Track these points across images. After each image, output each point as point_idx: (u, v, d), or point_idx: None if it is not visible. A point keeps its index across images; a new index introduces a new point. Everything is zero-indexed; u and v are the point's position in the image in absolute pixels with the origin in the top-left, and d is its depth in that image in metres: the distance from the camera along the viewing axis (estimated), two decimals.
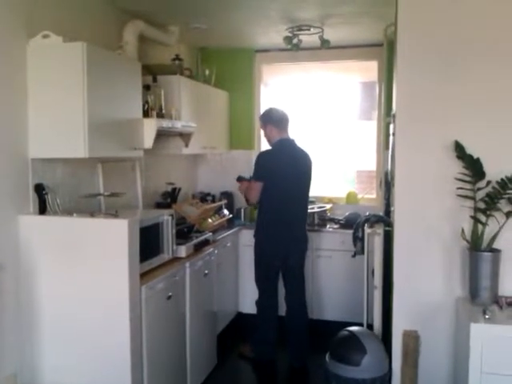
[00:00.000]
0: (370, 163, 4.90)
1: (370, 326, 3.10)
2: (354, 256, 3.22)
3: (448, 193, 2.59)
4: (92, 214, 2.59)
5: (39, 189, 2.61)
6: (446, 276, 2.64)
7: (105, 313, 2.47)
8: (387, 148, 3.97)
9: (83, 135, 2.49)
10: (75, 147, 2.51)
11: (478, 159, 2.51)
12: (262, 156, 3.64)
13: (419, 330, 2.65)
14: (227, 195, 4.64)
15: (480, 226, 2.47)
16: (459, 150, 2.55)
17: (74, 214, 2.58)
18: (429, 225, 2.66)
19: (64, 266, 2.51)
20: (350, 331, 2.79)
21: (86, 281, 2.48)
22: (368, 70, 4.90)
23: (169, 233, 2.96)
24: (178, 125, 3.48)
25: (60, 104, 2.53)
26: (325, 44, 4.14)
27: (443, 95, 2.61)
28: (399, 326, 2.69)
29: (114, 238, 2.44)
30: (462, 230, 2.49)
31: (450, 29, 2.58)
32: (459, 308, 2.55)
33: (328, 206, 4.66)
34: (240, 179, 3.78)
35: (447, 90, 2.61)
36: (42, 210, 2.61)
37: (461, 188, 2.53)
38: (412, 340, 2.63)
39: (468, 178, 2.52)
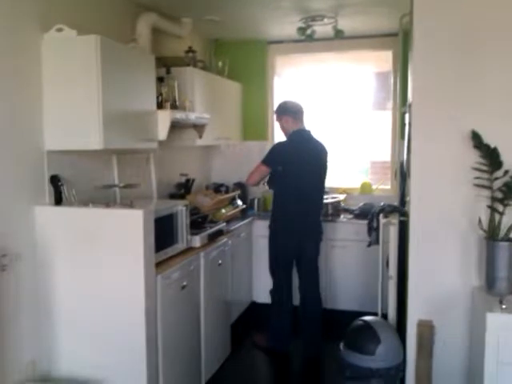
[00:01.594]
0: (385, 154, 4.87)
1: (385, 316, 3.09)
2: (369, 246, 3.21)
3: (464, 182, 2.57)
4: (107, 205, 2.62)
5: (55, 180, 2.63)
6: (462, 266, 2.62)
7: (120, 302, 2.50)
8: (403, 138, 3.95)
9: (98, 127, 2.51)
10: (90, 139, 2.53)
11: (495, 148, 2.48)
12: (278, 145, 3.64)
13: (434, 319, 2.64)
14: (240, 186, 4.65)
15: (497, 216, 2.44)
16: (476, 140, 2.52)
17: (90, 205, 2.60)
18: (445, 214, 2.64)
19: (80, 256, 2.54)
20: (365, 321, 2.79)
21: (101, 270, 2.51)
22: (383, 60, 4.85)
23: (183, 223, 2.98)
24: (192, 116, 3.49)
25: (75, 96, 2.54)
26: (338, 34, 4.10)
27: (459, 84, 2.58)
28: (414, 315, 2.67)
29: (129, 228, 2.46)
30: (480, 220, 2.47)
31: (467, 17, 2.54)
32: (475, 298, 2.54)
33: (342, 197, 4.64)
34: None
35: (464, 79, 2.57)
36: (58, 200, 2.63)
37: (478, 178, 2.50)
38: (427, 330, 2.62)
39: (485, 168, 2.49)
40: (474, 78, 2.56)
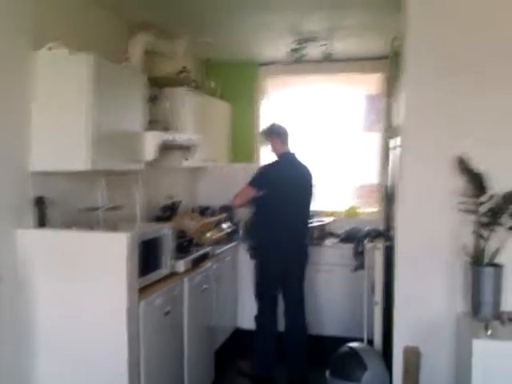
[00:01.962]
0: (372, 177, 4.88)
1: (371, 342, 3.06)
2: (354, 270, 3.20)
3: (450, 207, 2.56)
4: (91, 228, 2.58)
5: (39, 202, 2.58)
6: (447, 291, 2.61)
7: (102, 327, 2.43)
8: (387, 163, 3.98)
9: (86, 147, 2.48)
10: (78, 159, 2.50)
11: (479, 173, 2.49)
12: (266, 167, 3.65)
13: (420, 346, 2.61)
14: (226, 209, 4.62)
15: (482, 241, 2.45)
16: (462, 165, 2.53)
17: (73, 228, 2.56)
18: (431, 239, 2.63)
19: (62, 280, 2.48)
20: (351, 347, 2.76)
21: (83, 295, 2.45)
22: (373, 83, 4.85)
23: (168, 247, 2.94)
24: (182, 138, 3.47)
25: (64, 116, 2.52)
26: (327, 57, 4.15)
27: (449, 108, 2.58)
28: (400, 341, 2.65)
29: (112, 252, 2.42)
30: (464, 245, 2.47)
31: (460, 38, 2.55)
32: (461, 323, 2.52)
33: (328, 220, 4.63)
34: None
35: (455, 102, 2.57)
36: (42, 223, 2.59)
37: (463, 203, 2.51)
38: (413, 356, 2.60)
39: (470, 193, 2.51)
40: (464, 103, 2.56)
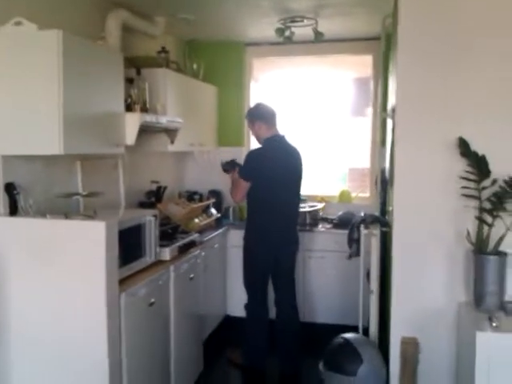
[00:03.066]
0: (363, 161, 4.75)
1: (365, 330, 2.94)
2: (349, 258, 3.05)
3: (451, 192, 2.46)
4: (67, 216, 2.39)
5: (10, 188, 2.41)
6: (447, 280, 2.50)
7: (80, 322, 2.27)
8: (383, 144, 3.83)
9: (58, 130, 2.28)
10: (50, 143, 2.30)
11: (483, 156, 2.38)
12: (252, 154, 3.46)
13: (419, 337, 2.51)
14: (215, 194, 4.46)
15: (486, 228, 2.33)
16: (463, 147, 2.42)
17: (48, 216, 2.38)
18: (430, 225, 2.52)
19: (35, 272, 2.31)
20: (346, 339, 2.63)
21: (59, 288, 2.28)
22: (362, 65, 4.75)
23: (151, 234, 2.77)
24: (164, 120, 3.29)
25: (33, 96, 2.32)
26: (318, 37, 3.96)
27: (447, 88, 2.48)
28: (397, 332, 2.54)
29: (90, 241, 2.25)
30: (468, 232, 2.34)
31: (454, 18, 2.45)
32: (462, 314, 2.41)
33: (320, 205, 4.49)
34: (228, 167, 3.53)
35: (451, 83, 2.47)
36: (13, 210, 2.41)
37: (465, 187, 2.38)
38: (411, 348, 2.48)
39: (472, 177, 2.38)
40: (461, 82, 2.46)
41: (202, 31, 4.27)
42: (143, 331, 2.60)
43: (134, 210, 3.35)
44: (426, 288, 2.52)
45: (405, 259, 2.55)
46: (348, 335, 2.67)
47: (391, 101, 3.31)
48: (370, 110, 4.66)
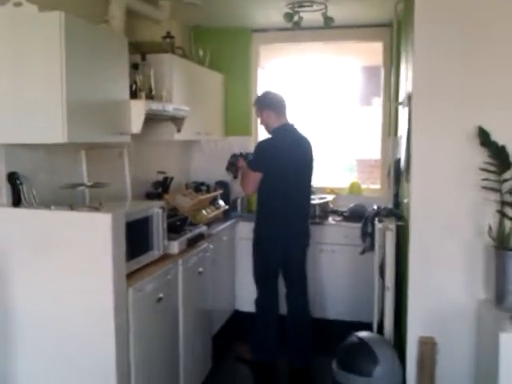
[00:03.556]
0: (373, 151, 4.63)
1: (379, 328, 2.85)
2: (362, 253, 2.95)
3: (470, 184, 2.36)
4: (72, 207, 2.30)
5: (13, 178, 2.31)
6: (467, 277, 2.40)
7: (86, 318, 2.18)
8: (395, 134, 3.72)
9: (61, 117, 2.17)
10: (53, 131, 2.19)
11: (503, 147, 2.27)
12: (261, 145, 3.36)
13: (436, 336, 2.41)
14: (223, 185, 4.35)
15: (508, 222, 2.22)
16: (483, 137, 2.31)
17: (52, 207, 2.28)
18: (448, 220, 2.42)
19: (39, 265, 2.22)
20: (360, 338, 2.54)
21: (64, 282, 2.19)
22: (371, 54, 4.61)
23: (159, 227, 2.68)
24: (170, 108, 3.18)
25: (35, 82, 2.20)
26: (328, 22, 3.82)
27: (465, 75, 2.38)
28: (414, 331, 2.44)
29: (96, 233, 2.15)
30: (490, 227, 2.23)
31: (473, 2, 2.33)
32: (482, 313, 2.31)
33: (330, 198, 4.38)
34: (234, 161, 3.45)
35: (470, 70, 2.37)
36: (16, 201, 2.31)
37: (485, 179, 2.28)
38: (428, 348, 2.39)
39: (493, 168, 2.28)
40: (480, 69, 2.36)
41: (207, 16, 4.14)
42: (151, 328, 2.51)
43: (141, 202, 3.25)
44: (443, 285, 2.43)
45: (422, 254, 2.45)
46: (362, 334, 2.58)
47: (404, 89, 3.20)
48: (378, 100, 4.53)
